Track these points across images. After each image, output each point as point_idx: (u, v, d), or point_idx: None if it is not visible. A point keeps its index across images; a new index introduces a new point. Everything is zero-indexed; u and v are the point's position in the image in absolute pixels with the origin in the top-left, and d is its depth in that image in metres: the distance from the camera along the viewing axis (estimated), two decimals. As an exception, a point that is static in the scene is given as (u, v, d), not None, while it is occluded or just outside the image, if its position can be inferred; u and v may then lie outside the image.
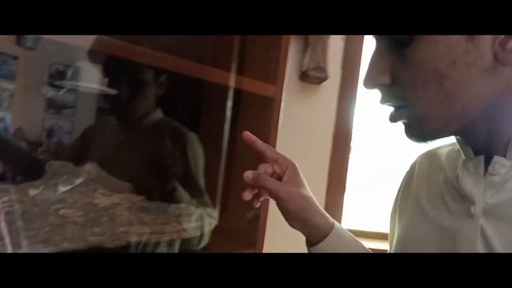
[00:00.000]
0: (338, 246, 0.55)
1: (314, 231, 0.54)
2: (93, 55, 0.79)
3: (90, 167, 0.71)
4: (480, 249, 0.42)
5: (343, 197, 1.37)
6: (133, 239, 0.68)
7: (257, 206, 0.56)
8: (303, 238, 0.56)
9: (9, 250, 0.57)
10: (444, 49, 0.39)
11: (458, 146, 0.49)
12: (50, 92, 0.82)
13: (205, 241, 0.87)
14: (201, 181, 0.90)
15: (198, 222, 0.86)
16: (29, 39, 0.76)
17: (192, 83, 0.85)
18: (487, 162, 0.44)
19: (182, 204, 0.83)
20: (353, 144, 1.41)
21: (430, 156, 0.56)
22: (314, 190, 0.55)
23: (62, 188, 0.63)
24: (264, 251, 0.88)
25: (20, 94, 0.77)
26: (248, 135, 0.58)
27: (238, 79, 0.80)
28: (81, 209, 0.63)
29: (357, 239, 0.59)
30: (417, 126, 0.45)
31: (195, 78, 0.76)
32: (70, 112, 0.83)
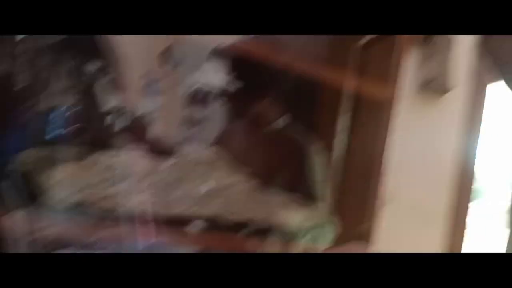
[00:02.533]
0: None
1: None
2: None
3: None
4: None
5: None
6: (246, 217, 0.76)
7: None
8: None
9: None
10: None
11: None
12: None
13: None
14: (317, 193, 0.92)
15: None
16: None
17: (307, 86, 0.91)
18: None
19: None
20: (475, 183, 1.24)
21: None
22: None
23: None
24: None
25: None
26: None
27: (353, 78, 0.83)
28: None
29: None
30: None
31: (310, 82, 0.80)
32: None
